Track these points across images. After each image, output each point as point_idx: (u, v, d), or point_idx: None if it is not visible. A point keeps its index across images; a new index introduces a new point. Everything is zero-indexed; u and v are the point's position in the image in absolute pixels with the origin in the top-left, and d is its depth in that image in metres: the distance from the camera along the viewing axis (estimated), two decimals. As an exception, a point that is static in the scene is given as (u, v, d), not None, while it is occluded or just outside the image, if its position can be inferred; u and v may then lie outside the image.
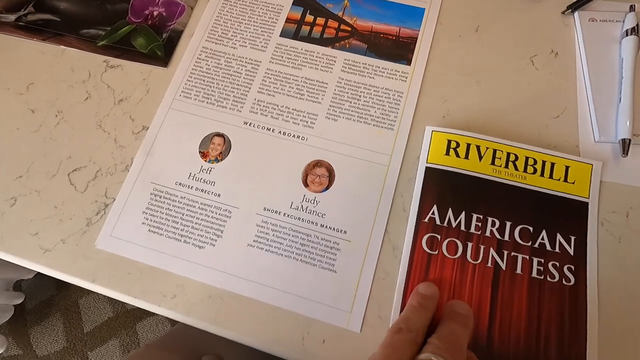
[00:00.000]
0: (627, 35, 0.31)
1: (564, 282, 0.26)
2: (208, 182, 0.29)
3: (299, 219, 0.28)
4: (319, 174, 0.29)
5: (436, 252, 0.27)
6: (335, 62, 0.33)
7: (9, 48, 0.34)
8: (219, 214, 0.29)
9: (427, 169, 0.29)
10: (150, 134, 0.31)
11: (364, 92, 0.32)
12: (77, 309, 1.09)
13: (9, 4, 0.36)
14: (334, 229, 0.28)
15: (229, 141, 0.31)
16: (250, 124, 0.31)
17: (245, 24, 0.34)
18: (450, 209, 0.27)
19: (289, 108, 0.31)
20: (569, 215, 0.27)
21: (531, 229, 0.27)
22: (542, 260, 0.26)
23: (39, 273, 1.10)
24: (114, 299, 1.16)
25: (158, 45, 0.34)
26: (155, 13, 0.35)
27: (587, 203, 0.27)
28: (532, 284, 0.25)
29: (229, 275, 0.27)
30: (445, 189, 0.28)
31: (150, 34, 0.34)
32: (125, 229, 0.28)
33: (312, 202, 0.29)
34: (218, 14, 0.35)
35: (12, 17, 0.35)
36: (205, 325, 0.26)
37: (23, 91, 0.33)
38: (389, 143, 0.30)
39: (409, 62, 0.32)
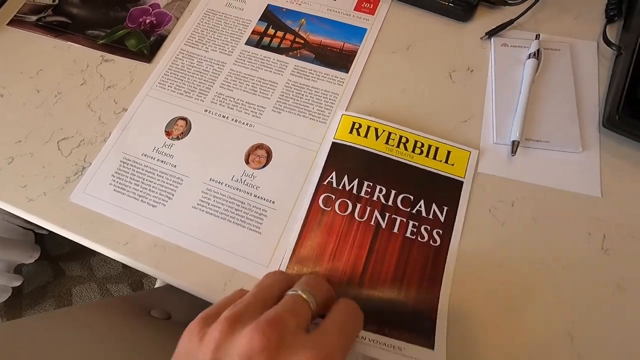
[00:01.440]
0: (529, 58, 0.36)
1: (431, 242, 0.30)
2: (168, 155, 0.36)
3: (237, 189, 0.34)
4: (259, 155, 0.35)
5: (329, 209, 0.32)
6: (286, 67, 0.39)
7: (28, 42, 0.42)
8: (173, 180, 0.35)
9: (333, 143, 0.35)
10: (128, 114, 0.38)
11: (306, 92, 0.38)
12: (69, 297, 1.15)
13: (33, 7, 0.44)
14: (264, 199, 0.33)
15: (190, 124, 0.37)
16: (209, 111, 0.37)
17: (219, 33, 0.42)
18: (346, 176, 0.33)
19: (242, 101, 0.38)
20: (445, 190, 0.32)
21: (412, 197, 0.32)
22: (417, 224, 0.31)
23: (39, 259, 1.17)
24: (107, 292, 1.21)
25: (146, 46, 0.41)
26: (147, 21, 0.43)
27: (462, 182, 0.33)
28: (404, 242, 0.30)
29: (173, 230, 0.33)
30: (345, 159, 0.34)
31: (141, 37, 0.42)
32: (95, 187, 0.35)
33: (250, 176, 0.34)
34: (197, 24, 0.42)
35: (33, 18, 0.43)
36: (148, 269, 0.32)
37: (33, 75, 0.41)
38: (320, 134, 0.36)
39: (347, 71, 0.39)
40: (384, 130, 0.34)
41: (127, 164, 0.35)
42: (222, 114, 0.37)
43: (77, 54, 0.42)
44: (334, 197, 0.32)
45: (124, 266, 1.14)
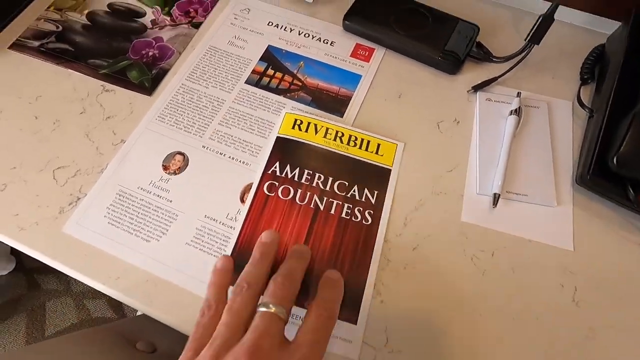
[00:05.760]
0: (510, 114, 0.39)
1: (363, 222, 0.35)
2: (164, 190, 0.36)
3: (232, 227, 0.35)
4: (254, 194, 0.36)
5: (273, 194, 0.36)
6: (284, 108, 0.41)
7: (29, 67, 0.43)
8: (168, 216, 0.35)
9: (277, 137, 0.38)
10: (126, 146, 0.38)
11: (302, 134, 0.40)
12: (42, 312, 1.11)
13: (36, 32, 0.45)
14: (257, 238, 0.34)
15: (188, 159, 0.38)
16: (207, 148, 0.39)
17: (220, 70, 0.43)
18: (288, 165, 0.37)
19: (240, 139, 0.39)
20: (376, 177, 0.37)
21: (347, 183, 0.36)
22: (351, 206, 0.35)
23: (13, 271, 1.13)
24: (83, 307, 1.17)
25: (147, 78, 0.42)
26: (150, 53, 0.44)
27: (390, 170, 0.38)
28: (340, 222, 0.35)
29: (165, 266, 0.33)
30: (287, 151, 0.38)
31: (143, 69, 0.43)
32: (90, 219, 0.35)
33: (244, 215, 0.35)
34: (200, 59, 0.44)
35: (36, 44, 0.44)
36: (138, 305, 0.32)
37: (32, 101, 0.41)
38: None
39: (341, 115, 0.41)
40: (322, 126, 0.39)
41: (123, 197, 0.36)
42: (220, 151, 0.38)
43: (77, 82, 0.42)
44: (277, 184, 0.36)
45: (103, 281, 1.11)
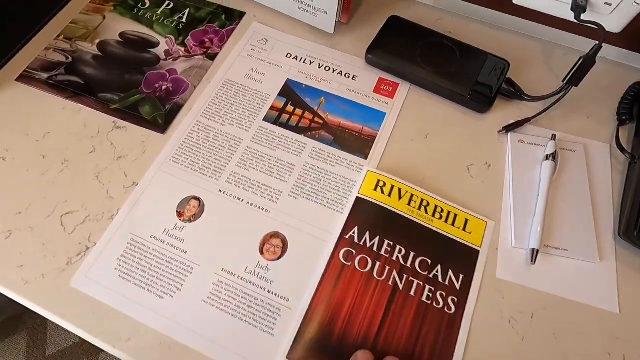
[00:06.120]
0: (546, 159, 0.37)
1: (446, 309, 0.31)
2: (178, 239, 0.34)
3: (250, 282, 0.32)
4: (274, 244, 0.34)
5: (349, 264, 0.32)
6: (304, 148, 0.39)
7: (37, 101, 0.41)
8: (183, 269, 0.33)
9: (357, 198, 0.35)
10: (139, 190, 0.36)
11: (324, 178, 0.37)
12: (44, 330, 1.08)
13: (44, 64, 0.43)
14: (279, 295, 0.32)
15: (204, 205, 0.36)
16: (224, 192, 0.36)
17: (237, 106, 0.41)
18: (368, 232, 0.34)
19: (259, 183, 0.37)
20: (462, 257, 0.33)
21: (429, 261, 0.33)
22: (433, 289, 0.32)
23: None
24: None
25: (160, 114, 0.40)
26: (164, 87, 0.42)
27: (479, 251, 0.34)
28: (420, 306, 0.31)
29: (180, 326, 0.31)
30: (367, 216, 0.34)
31: (156, 104, 0.41)
32: (99, 272, 0.33)
33: (264, 269, 0.33)
34: (215, 94, 0.42)
35: (44, 75, 0.42)
36: (151, 370, 0.30)
37: (40, 138, 0.39)
38: (338, 224, 0.35)
39: (366, 157, 0.38)
40: (407, 192, 0.35)
41: (135, 247, 0.34)
42: (237, 195, 0.36)
43: (88, 118, 0.40)
44: (354, 252, 0.33)
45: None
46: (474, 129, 0.40)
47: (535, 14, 0.41)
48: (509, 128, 0.39)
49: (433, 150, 0.39)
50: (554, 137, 0.38)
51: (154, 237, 0.34)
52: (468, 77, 0.41)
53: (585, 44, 0.44)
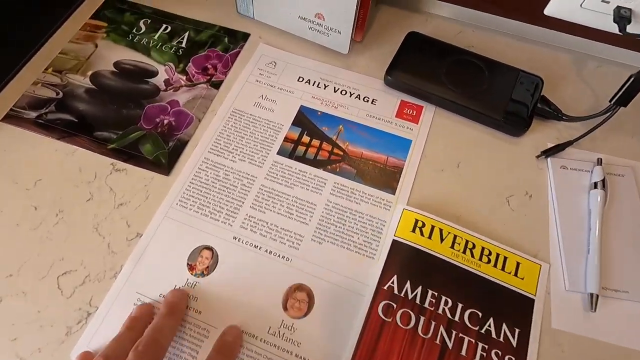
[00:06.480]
0: (594, 187, 0.33)
1: None
2: (191, 298, 0.30)
3: (275, 345, 0.29)
4: (299, 299, 0.30)
5: (390, 320, 0.29)
6: (325, 184, 0.35)
7: (25, 143, 0.37)
8: (197, 332, 0.29)
9: (393, 241, 0.32)
10: (143, 241, 0.32)
11: (349, 217, 0.34)
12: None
13: (32, 101, 0.39)
14: (308, 360, 0.28)
15: (217, 255, 0.32)
16: (239, 239, 0.33)
17: (247, 139, 0.37)
18: (409, 282, 0.30)
19: (277, 227, 0.33)
20: (516, 308, 0.30)
21: (480, 314, 0.29)
22: (487, 347, 0.28)
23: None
24: None
25: (163, 153, 0.37)
26: (165, 121, 0.38)
27: (534, 300, 0.30)
28: None
29: (199, 403, 0.27)
30: (407, 262, 0.31)
31: (158, 142, 0.37)
32: (103, 341, 0.29)
33: (290, 328, 0.29)
34: (223, 127, 0.38)
35: (33, 114, 0.38)
36: None
37: (30, 187, 0.35)
38: (368, 272, 0.31)
39: (393, 191, 0.35)
40: (449, 232, 0.32)
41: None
42: (254, 242, 0.32)
43: (83, 160, 0.36)
44: (395, 305, 0.29)
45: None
46: (509, 155, 0.37)
47: (564, 24, 0.38)
48: (548, 153, 0.36)
49: (467, 181, 0.35)
50: (599, 161, 0.35)
51: (163, 296, 0.30)
52: (500, 97, 0.37)
53: (621, 55, 0.41)
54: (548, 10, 0.37)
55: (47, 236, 0.33)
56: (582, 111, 0.38)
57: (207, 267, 0.32)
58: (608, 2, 0.34)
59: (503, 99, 0.37)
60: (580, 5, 0.35)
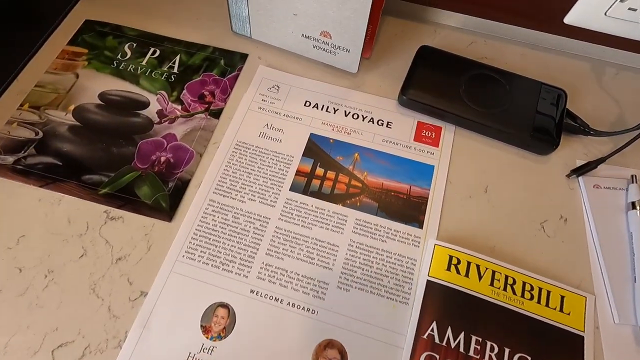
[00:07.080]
0: (632, 207, 0.31)
1: None
2: (209, 366, 0.27)
3: (310, 415, 0.26)
4: (330, 357, 0.27)
5: None
6: (346, 221, 0.32)
7: (2, 193, 0.33)
8: (220, 406, 0.26)
9: (428, 282, 0.29)
10: (149, 301, 0.29)
11: (376, 258, 0.31)
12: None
13: (9, 143, 0.35)
14: None
15: (234, 313, 0.29)
16: (257, 292, 0.29)
17: (255, 174, 0.34)
18: (449, 327, 0.27)
19: (298, 275, 0.30)
20: (566, 348, 0.27)
21: (529, 358, 0.27)
22: None
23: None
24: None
25: (163, 195, 0.33)
26: (162, 159, 0.34)
27: (583, 337, 0.28)
28: None
29: None
30: (445, 305, 0.28)
31: (156, 183, 0.33)
32: None
33: (324, 393, 0.26)
34: (227, 162, 0.34)
35: (10, 159, 0.34)
36: None
37: (12, 245, 0.31)
38: (404, 320, 0.28)
39: (420, 225, 0.32)
40: (486, 268, 0.29)
41: (154, 385, 0.26)
42: (274, 295, 0.29)
43: (71, 209, 0.32)
44: (438, 357, 0.27)
45: None
46: (538, 175, 0.34)
47: (581, 31, 0.36)
48: (579, 171, 0.34)
49: (497, 207, 0.33)
50: (634, 178, 0.33)
51: (178, 368, 0.27)
52: (524, 113, 0.35)
53: (638, 60, 0.39)
54: (569, 19, 0.34)
55: (36, 303, 0.29)
56: (607, 123, 0.36)
57: (224, 327, 0.28)
58: (635, 10, 0.32)
59: (528, 116, 0.35)
60: (605, 13, 0.33)
